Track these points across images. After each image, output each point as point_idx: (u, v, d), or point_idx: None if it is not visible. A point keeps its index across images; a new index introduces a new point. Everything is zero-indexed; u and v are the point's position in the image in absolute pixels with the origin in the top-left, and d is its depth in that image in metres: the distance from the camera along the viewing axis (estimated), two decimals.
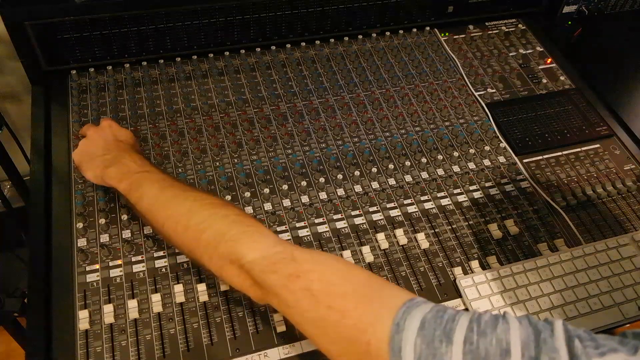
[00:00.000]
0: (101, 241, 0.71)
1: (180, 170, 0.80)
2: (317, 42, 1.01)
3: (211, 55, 0.96)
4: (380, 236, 0.74)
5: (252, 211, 0.76)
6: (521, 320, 0.41)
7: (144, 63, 0.93)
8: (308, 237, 0.74)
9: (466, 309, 0.68)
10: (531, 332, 0.39)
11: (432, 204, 0.79)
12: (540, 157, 0.88)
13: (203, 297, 0.67)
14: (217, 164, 0.81)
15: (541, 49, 1.06)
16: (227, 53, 0.97)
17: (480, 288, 0.69)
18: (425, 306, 0.44)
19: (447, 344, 0.40)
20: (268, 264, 0.52)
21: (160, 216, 0.61)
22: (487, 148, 0.87)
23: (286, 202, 0.77)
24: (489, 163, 0.86)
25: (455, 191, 0.81)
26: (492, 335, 0.39)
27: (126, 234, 0.72)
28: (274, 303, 0.53)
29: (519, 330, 0.39)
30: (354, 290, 0.48)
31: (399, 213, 0.78)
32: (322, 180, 0.80)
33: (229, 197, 0.76)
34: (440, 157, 0.85)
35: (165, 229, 0.60)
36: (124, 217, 0.73)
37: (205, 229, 0.56)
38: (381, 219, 0.77)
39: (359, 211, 0.77)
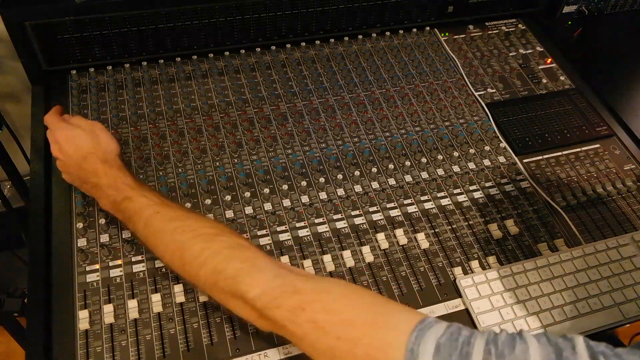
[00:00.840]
0: (101, 241, 0.71)
1: (180, 170, 0.80)
2: (317, 42, 1.01)
3: (211, 55, 0.96)
4: (380, 236, 0.74)
5: (252, 211, 0.76)
6: (539, 338, 0.39)
7: (144, 63, 0.93)
8: (308, 237, 0.74)
9: (476, 327, 0.67)
10: (551, 350, 0.38)
11: (432, 204, 0.79)
12: (540, 157, 0.88)
13: (203, 297, 0.67)
14: (217, 164, 0.81)
15: (541, 49, 1.06)
16: (227, 53, 0.97)
17: (480, 288, 0.69)
18: (437, 327, 0.43)
19: None
20: (270, 299, 0.51)
21: (157, 251, 0.61)
22: (487, 148, 0.87)
23: (286, 202, 0.77)
24: (489, 163, 0.86)
25: (455, 191, 0.81)
26: (510, 356, 0.38)
27: (126, 234, 0.72)
28: (284, 334, 0.52)
29: (538, 350, 0.38)
30: (361, 317, 0.47)
31: (399, 213, 0.78)
32: (322, 180, 0.80)
33: (228, 197, 0.76)
34: (440, 157, 0.85)
35: (165, 261, 0.61)
36: None
37: (201, 266, 0.55)
38: (381, 219, 0.77)
39: (359, 211, 0.77)
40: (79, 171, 0.67)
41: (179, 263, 0.57)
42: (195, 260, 0.55)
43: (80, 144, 0.67)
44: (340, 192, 0.79)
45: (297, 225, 0.75)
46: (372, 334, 0.45)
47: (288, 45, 1.00)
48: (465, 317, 0.68)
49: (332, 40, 1.01)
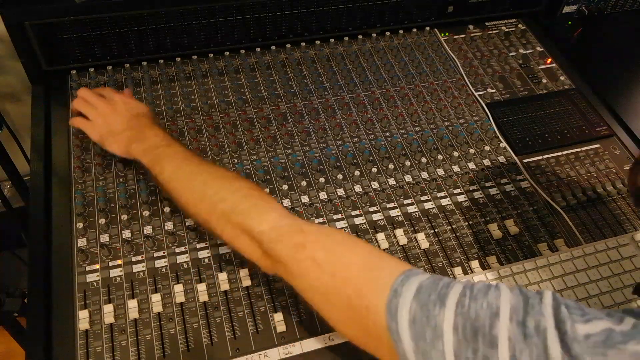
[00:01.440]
0: (101, 241, 0.71)
1: None
2: (317, 42, 1.01)
3: (211, 55, 0.96)
4: (380, 236, 0.74)
5: None
6: (513, 289, 0.42)
7: (144, 63, 0.93)
8: None
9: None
10: (521, 299, 0.40)
11: (432, 204, 0.79)
12: (540, 157, 0.88)
13: (203, 297, 0.67)
14: (217, 164, 0.81)
15: (541, 49, 1.06)
16: (227, 53, 0.97)
17: None
18: (423, 275, 0.46)
19: (440, 307, 0.42)
20: (276, 235, 0.55)
21: (178, 189, 0.64)
22: (487, 148, 0.87)
23: (286, 202, 0.77)
24: (489, 163, 0.86)
25: (455, 191, 0.81)
26: (483, 299, 0.41)
27: (126, 234, 0.72)
28: (281, 272, 0.55)
29: (509, 296, 0.41)
30: (356, 259, 0.51)
31: (399, 213, 0.78)
32: (322, 180, 0.80)
33: None
34: (440, 157, 0.85)
35: (183, 200, 0.64)
36: (124, 217, 0.73)
37: (218, 202, 0.60)
38: (381, 219, 0.77)
39: (359, 211, 0.77)
40: (126, 120, 0.74)
41: (198, 200, 0.62)
42: (214, 197, 0.60)
43: (135, 106, 0.78)
44: (340, 192, 0.79)
45: None
46: (364, 275, 0.49)
47: (288, 45, 1.00)
48: None
49: (332, 40, 1.01)
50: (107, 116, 0.76)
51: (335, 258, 0.51)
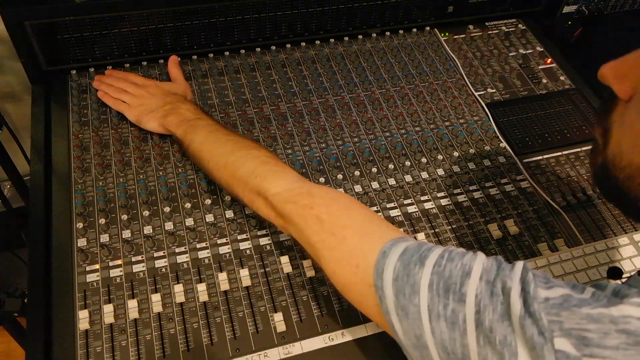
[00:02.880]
0: (101, 241, 0.71)
1: (180, 170, 0.80)
2: (317, 42, 1.01)
3: (211, 55, 0.96)
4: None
5: (252, 211, 0.76)
6: (490, 257, 0.45)
7: (144, 63, 0.93)
8: None
9: None
10: (495, 263, 0.43)
11: (432, 204, 0.79)
12: (540, 157, 0.88)
13: (203, 297, 0.67)
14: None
15: (541, 49, 1.06)
16: (227, 53, 0.97)
17: None
18: (412, 241, 0.50)
19: (420, 267, 0.45)
20: (288, 196, 0.60)
21: (206, 156, 0.71)
22: (487, 148, 0.87)
23: None
24: (489, 163, 0.86)
25: (455, 191, 0.81)
26: (459, 261, 0.44)
27: (126, 234, 0.72)
28: (291, 229, 0.61)
29: (484, 260, 0.44)
30: (354, 223, 0.55)
31: (399, 213, 0.78)
32: (321, 180, 0.80)
33: (228, 197, 0.76)
34: (440, 157, 0.85)
35: (210, 166, 0.70)
36: (124, 217, 0.73)
37: (239, 167, 0.66)
38: None
39: None
40: (162, 97, 0.82)
41: (222, 166, 0.68)
42: (236, 162, 0.67)
43: (168, 86, 0.87)
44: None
45: None
46: (358, 238, 0.54)
47: (288, 45, 1.00)
48: None
49: (332, 40, 1.01)
50: (142, 98, 0.83)
51: (336, 219, 0.56)
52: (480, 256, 0.45)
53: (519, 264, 0.42)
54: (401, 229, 0.75)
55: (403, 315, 0.46)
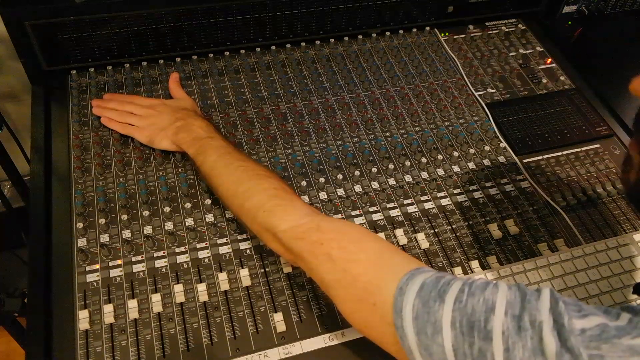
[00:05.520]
0: (101, 241, 0.71)
1: (180, 170, 0.80)
2: (317, 42, 1.01)
3: (211, 55, 0.96)
4: (380, 236, 0.74)
5: None
6: (511, 286, 0.43)
7: (144, 63, 0.93)
8: None
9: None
10: (518, 295, 0.41)
11: (432, 204, 0.79)
12: (540, 157, 0.88)
13: (203, 297, 0.67)
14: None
15: (541, 49, 1.06)
16: (227, 53, 0.97)
17: None
18: (427, 273, 0.48)
19: (440, 303, 0.44)
20: (297, 233, 0.58)
21: (216, 181, 0.69)
22: (487, 148, 0.87)
23: None
24: (489, 163, 0.86)
25: (455, 191, 0.81)
26: (480, 295, 0.42)
27: (126, 234, 0.72)
28: (302, 266, 0.59)
29: (506, 292, 0.42)
30: (367, 258, 0.53)
31: (399, 213, 0.78)
32: (322, 180, 0.80)
33: None
34: (440, 157, 0.85)
35: (220, 191, 0.69)
36: (124, 217, 0.73)
37: (248, 198, 0.64)
38: (381, 219, 0.77)
39: (359, 211, 0.77)
40: (172, 114, 0.79)
41: (231, 194, 0.66)
42: (246, 193, 0.64)
43: (175, 103, 0.84)
44: (340, 192, 0.79)
45: None
46: (373, 273, 0.51)
47: (288, 45, 1.00)
48: None
49: (332, 40, 1.01)
50: (151, 117, 0.81)
51: (348, 255, 0.54)
52: (502, 288, 0.43)
53: (545, 293, 0.40)
54: (418, 260, 0.75)
55: (427, 355, 0.44)
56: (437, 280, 0.46)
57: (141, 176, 0.79)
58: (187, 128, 0.76)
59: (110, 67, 0.92)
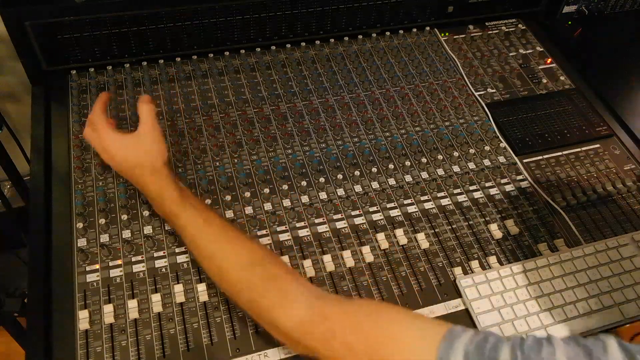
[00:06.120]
0: (101, 241, 0.71)
1: (180, 170, 0.80)
2: (317, 42, 1.01)
3: (211, 55, 0.96)
4: (380, 236, 0.74)
5: (252, 211, 0.76)
6: (567, 341, 0.39)
7: (144, 63, 0.93)
8: (308, 237, 0.74)
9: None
10: (580, 350, 0.38)
11: (432, 204, 0.79)
12: (540, 157, 0.88)
13: (203, 297, 0.67)
14: (217, 164, 0.81)
15: (541, 49, 1.06)
16: (227, 53, 0.97)
17: (480, 288, 0.69)
18: (465, 336, 0.44)
19: None
20: (304, 329, 0.53)
21: (201, 265, 0.64)
22: (487, 148, 0.87)
23: (286, 202, 0.77)
24: (489, 163, 0.86)
25: (455, 191, 0.81)
26: (536, 359, 0.38)
27: (126, 234, 0.72)
28: (320, 358, 0.53)
29: (565, 352, 0.38)
30: (389, 335, 0.48)
31: (399, 213, 0.78)
32: (322, 180, 0.80)
33: (228, 198, 0.76)
34: (440, 157, 0.85)
35: (209, 275, 0.63)
36: (124, 217, 0.73)
37: (239, 294, 0.59)
38: (381, 219, 0.77)
39: (359, 211, 0.77)
40: (128, 176, 0.70)
41: (219, 284, 0.62)
42: (234, 288, 0.59)
43: (127, 155, 0.67)
44: (340, 192, 0.79)
45: (297, 225, 0.75)
46: (402, 350, 0.46)
47: (288, 45, 1.00)
48: (465, 317, 0.68)
49: (332, 40, 1.01)
50: (105, 156, 0.70)
51: (366, 338, 0.49)
52: (559, 346, 0.39)
53: (612, 343, 0.37)
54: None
55: None
56: (480, 348, 0.41)
57: None
58: (145, 194, 0.69)
59: (110, 67, 0.92)
